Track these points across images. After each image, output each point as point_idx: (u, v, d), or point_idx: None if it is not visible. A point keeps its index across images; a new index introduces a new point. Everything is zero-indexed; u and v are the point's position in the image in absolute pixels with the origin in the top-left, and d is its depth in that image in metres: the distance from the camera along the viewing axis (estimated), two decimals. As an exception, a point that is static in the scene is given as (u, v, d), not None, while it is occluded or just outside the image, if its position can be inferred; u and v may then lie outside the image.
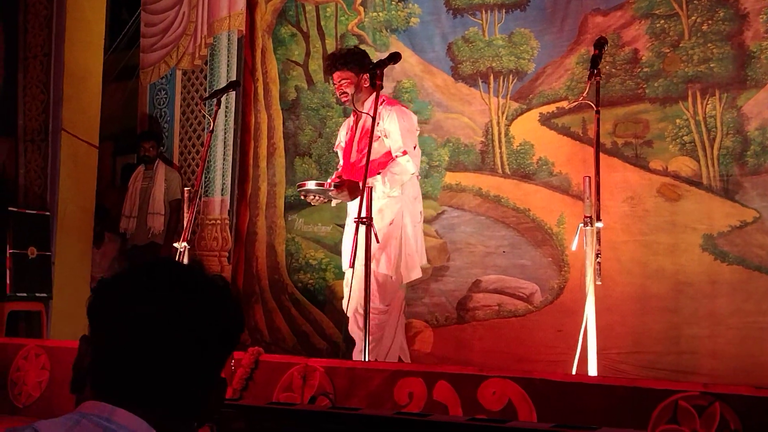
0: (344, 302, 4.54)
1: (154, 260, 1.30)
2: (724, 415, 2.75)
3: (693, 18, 5.04)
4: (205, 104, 6.05)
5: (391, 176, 4.43)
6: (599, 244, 3.62)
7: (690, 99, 5.02)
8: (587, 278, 3.62)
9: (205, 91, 6.71)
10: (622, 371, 4.81)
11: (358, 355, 4.45)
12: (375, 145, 4.49)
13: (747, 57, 4.88)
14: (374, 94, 4.56)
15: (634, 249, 5.08)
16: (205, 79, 6.81)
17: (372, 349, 4.40)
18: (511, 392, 3.10)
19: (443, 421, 2.53)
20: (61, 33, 6.83)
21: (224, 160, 6.54)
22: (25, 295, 6.10)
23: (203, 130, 6.71)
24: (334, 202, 4.86)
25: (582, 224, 3.67)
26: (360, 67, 4.67)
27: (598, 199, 3.67)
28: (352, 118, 4.86)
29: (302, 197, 4.70)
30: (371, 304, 4.38)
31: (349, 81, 4.64)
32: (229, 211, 6.47)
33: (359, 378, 3.41)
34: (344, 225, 4.90)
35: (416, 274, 4.61)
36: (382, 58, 4.46)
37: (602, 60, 4.03)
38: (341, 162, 4.86)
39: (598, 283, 3.59)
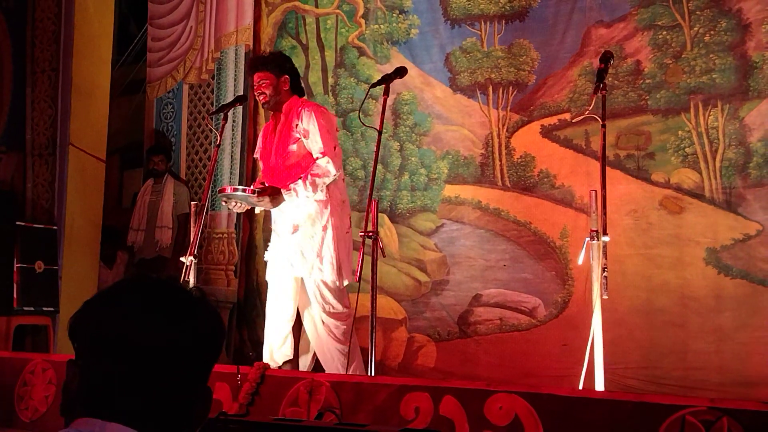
0: (280, 315, 4.52)
1: (131, 279, 1.35)
2: (732, 431, 2.74)
3: (695, 29, 5.03)
4: (212, 118, 6.06)
5: (312, 179, 4.35)
6: (606, 258, 3.61)
7: (692, 110, 5.01)
8: (594, 292, 3.60)
9: (212, 106, 6.73)
10: (629, 386, 4.77)
11: (333, 370, 4.40)
12: (294, 147, 4.48)
13: (749, 67, 4.87)
14: (293, 97, 4.61)
15: (639, 263, 5.04)
16: (212, 94, 6.83)
17: (351, 363, 4.40)
18: (518, 407, 3.09)
19: (450, 436, 2.52)
20: (68, 48, 6.87)
21: (231, 174, 6.56)
22: (32, 309, 6.11)
23: (210, 144, 6.74)
24: (257, 209, 4.80)
25: (588, 238, 3.66)
26: (280, 69, 4.62)
27: (605, 213, 3.66)
28: (268, 123, 4.80)
29: (224, 203, 4.58)
30: (333, 312, 4.42)
31: (268, 82, 4.58)
32: (235, 224, 6.49)
33: (365, 392, 3.41)
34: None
35: (350, 279, 4.50)
36: (388, 72, 4.46)
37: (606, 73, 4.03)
38: (262, 167, 4.81)
39: (605, 297, 3.57)
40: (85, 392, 1.25)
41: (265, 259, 4.75)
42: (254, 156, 5.05)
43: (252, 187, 4.59)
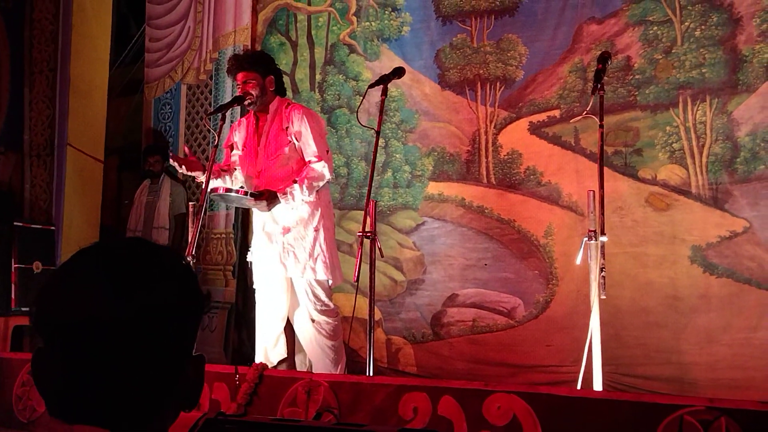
0: (272, 315, 4.55)
1: (89, 250, 1.16)
2: (730, 430, 2.74)
3: (686, 23, 5.01)
4: (209, 119, 6.07)
5: (308, 183, 4.36)
6: (603, 258, 3.61)
7: (681, 105, 4.97)
8: (592, 292, 3.61)
9: (210, 106, 6.73)
10: (623, 384, 4.71)
11: (323, 367, 4.45)
12: (287, 150, 4.47)
13: (739, 61, 4.83)
14: (277, 97, 4.59)
15: (624, 261, 4.96)
16: (210, 94, 6.83)
17: (339, 358, 4.48)
18: (516, 407, 3.09)
19: (448, 436, 2.52)
20: (66, 48, 6.87)
21: (229, 174, 6.55)
22: (29, 309, 6.10)
23: (208, 144, 6.73)
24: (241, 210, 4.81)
25: (586, 238, 3.67)
26: (266, 69, 4.60)
27: (602, 213, 3.67)
28: (247, 121, 4.74)
29: (213, 198, 4.51)
30: (324, 309, 4.46)
31: (255, 82, 4.54)
32: (233, 225, 6.48)
33: (364, 393, 3.41)
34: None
35: (340, 279, 4.62)
36: (386, 73, 4.45)
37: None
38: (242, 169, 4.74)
39: (603, 297, 3.58)
40: (65, 390, 1.10)
41: (248, 260, 4.75)
42: (223, 146, 4.91)
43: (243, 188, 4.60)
